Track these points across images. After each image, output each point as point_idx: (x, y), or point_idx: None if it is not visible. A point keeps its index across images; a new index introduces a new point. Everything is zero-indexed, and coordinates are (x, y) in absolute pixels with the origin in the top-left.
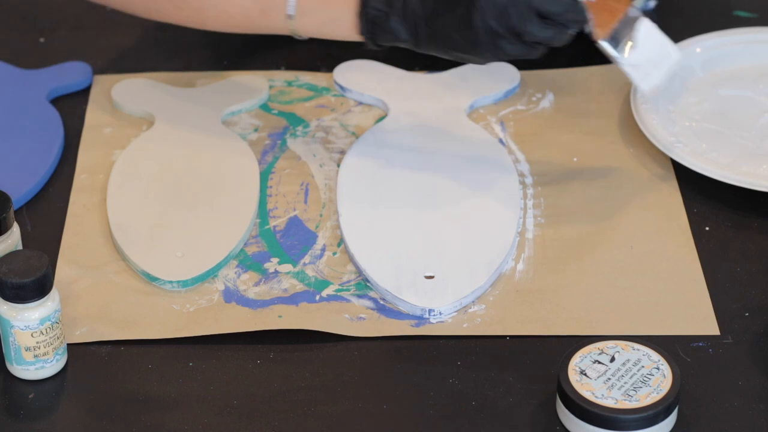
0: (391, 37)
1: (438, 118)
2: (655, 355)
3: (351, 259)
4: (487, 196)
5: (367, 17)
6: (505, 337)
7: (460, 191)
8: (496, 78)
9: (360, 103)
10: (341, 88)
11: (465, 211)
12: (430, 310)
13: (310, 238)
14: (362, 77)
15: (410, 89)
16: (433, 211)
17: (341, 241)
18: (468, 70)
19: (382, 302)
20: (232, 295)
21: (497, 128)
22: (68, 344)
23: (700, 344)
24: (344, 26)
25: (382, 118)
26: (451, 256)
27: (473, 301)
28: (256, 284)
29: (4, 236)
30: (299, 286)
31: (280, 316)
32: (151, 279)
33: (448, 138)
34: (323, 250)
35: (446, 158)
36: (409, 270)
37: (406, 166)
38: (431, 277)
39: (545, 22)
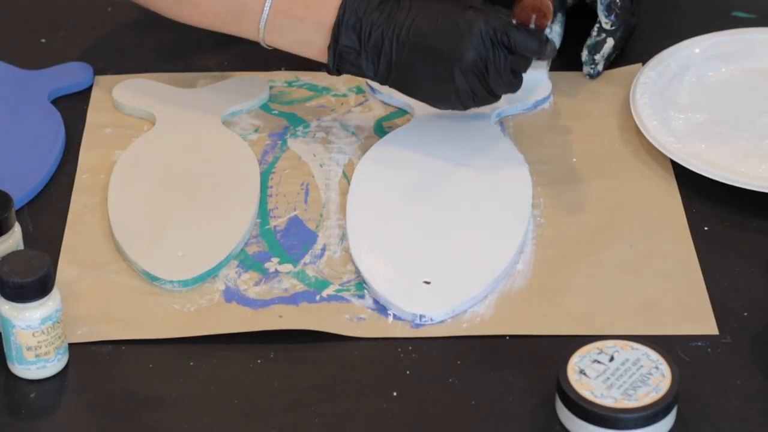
0: (357, 72)
1: (462, 125)
2: (654, 355)
3: (351, 259)
4: (497, 210)
5: (336, 52)
6: (505, 337)
7: (472, 201)
8: (528, 88)
9: (360, 104)
10: (372, 89)
11: (472, 222)
12: (421, 316)
13: (311, 237)
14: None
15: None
16: (441, 218)
17: (342, 241)
18: None
19: (381, 302)
20: (232, 295)
21: (497, 129)
22: (69, 344)
23: (699, 344)
24: (313, 52)
25: (382, 119)
26: (449, 264)
27: (465, 310)
28: (257, 284)
29: (6, 236)
30: (300, 286)
31: (280, 316)
32: (152, 279)
33: (469, 147)
34: (323, 249)
35: (465, 167)
36: (405, 275)
37: (422, 172)
38: (428, 283)
39: (515, 75)
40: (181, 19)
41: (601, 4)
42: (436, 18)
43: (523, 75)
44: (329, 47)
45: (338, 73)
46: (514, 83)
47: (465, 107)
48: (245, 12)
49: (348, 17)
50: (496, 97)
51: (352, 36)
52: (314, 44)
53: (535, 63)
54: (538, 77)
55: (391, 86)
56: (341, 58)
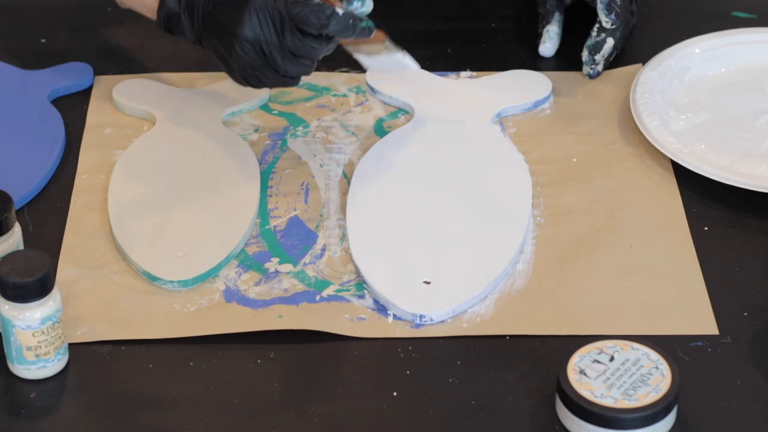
0: (183, 34)
1: (462, 125)
2: (654, 355)
3: (351, 259)
4: (497, 210)
5: (161, 14)
6: (505, 337)
7: (472, 201)
8: (527, 88)
9: (360, 104)
10: (372, 89)
11: (472, 222)
12: (421, 316)
13: (311, 238)
14: (393, 79)
15: (439, 94)
16: (441, 218)
17: (342, 241)
18: (500, 78)
19: (381, 302)
20: (232, 295)
21: (497, 129)
22: (69, 344)
23: (699, 344)
24: (148, 12)
25: (382, 119)
26: (449, 264)
27: (465, 310)
28: (257, 284)
29: (6, 236)
30: (300, 286)
31: (280, 316)
32: (152, 279)
33: (469, 147)
34: (323, 250)
35: (465, 167)
36: (405, 275)
37: (422, 172)
38: (428, 283)
39: (298, 60)
40: None
41: (601, 2)
42: None
43: (375, 60)
44: (158, 9)
45: (170, 33)
46: (301, 67)
47: (252, 85)
48: None
49: None
50: (293, 80)
51: (173, 0)
52: (147, 4)
53: (387, 48)
54: (398, 60)
55: (211, 48)
56: (168, 21)
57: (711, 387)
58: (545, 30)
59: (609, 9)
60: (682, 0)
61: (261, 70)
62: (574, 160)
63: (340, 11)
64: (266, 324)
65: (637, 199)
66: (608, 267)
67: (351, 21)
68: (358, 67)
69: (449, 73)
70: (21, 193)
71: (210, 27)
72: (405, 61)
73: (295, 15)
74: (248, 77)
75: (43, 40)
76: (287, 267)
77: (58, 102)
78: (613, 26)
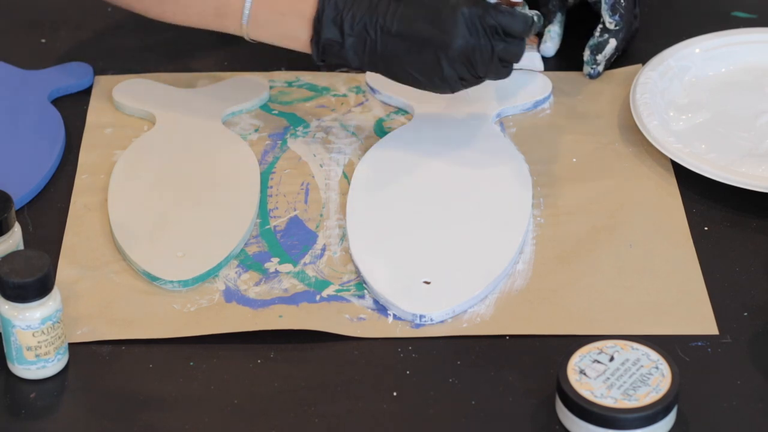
0: (343, 63)
1: (462, 125)
2: (654, 355)
3: (351, 259)
4: (497, 210)
5: (319, 45)
6: (505, 337)
7: (472, 201)
8: (528, 87)
9: (360, 104)
10: (372, 89)
11: (472, 222)
12: (421, 316)
13: (311, 238)
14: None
15: (439, 94)
16: (441, 218)
17: (342, 241)
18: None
19: (381, 302)
20: (232, 295)
21: (497, 129)
22: (69, 344)
23: (699, 344)
24: (298, 44)
25: (382, 119)
26: (449, 264)
27: (465, 310)
28: (257, 284)
29: (6, 236)
30: (300, 286)
31: (280, 316)
32: (152, 279)
33: (469, 147)
34: (323, 250)
35: (465, 167)
36: (405, 275)
37: (422, 171)
38: (428, 283)
39: (504, 65)
40: (164, 18)
41: (606, 3)
42: (419, 5)
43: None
44: (312, 40)
45: (324, 63)
46: (502, 71)
47: (453, 91)
48: (227, 8)
49: (328, 11)
50: (482, 82)
51: (334, 29)
52: (298, 37)
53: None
54: (531, 56)
55: (376, 72)
56: (325, 51)
57: (711, 387)
58: (546, 30)
59: (613, 10)
60: (682, 0)
61: (466, 78)
62: (574, 160)
63: (536, 17)
64: (266, 324)
65: (637, 199)
66: (608, 267)
67: (541, 23)
68: None
69: None
70: (21, 193)
71: (403, 45)
72: (536, 59)
73: (504, 23)
74: (451, 85)
75: (43, 40)
76: (287, 267)
77: (58, 102)
78: (617, 27)
